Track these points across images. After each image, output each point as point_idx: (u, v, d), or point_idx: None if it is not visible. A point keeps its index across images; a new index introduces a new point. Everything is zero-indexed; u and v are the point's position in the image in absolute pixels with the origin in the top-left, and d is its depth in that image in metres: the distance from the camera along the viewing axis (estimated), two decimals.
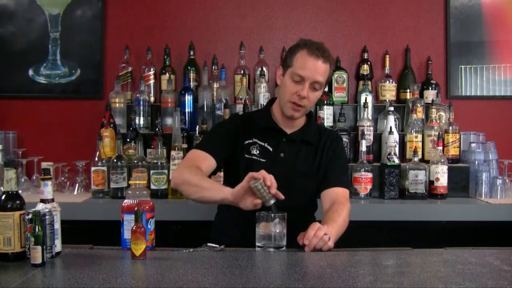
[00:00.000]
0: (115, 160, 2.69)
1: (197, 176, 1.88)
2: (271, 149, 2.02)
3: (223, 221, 2.09)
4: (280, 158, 2.02)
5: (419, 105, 2.96)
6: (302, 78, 1.92)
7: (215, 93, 3.07)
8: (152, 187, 2.71)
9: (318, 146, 2.08)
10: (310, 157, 2.05)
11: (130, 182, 1.75)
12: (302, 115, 2.02)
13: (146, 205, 1.68)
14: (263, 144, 2.03)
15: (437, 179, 2.73)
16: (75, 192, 2.85)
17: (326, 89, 3.00)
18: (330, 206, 1.95)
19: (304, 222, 1.95)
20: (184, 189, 1.92)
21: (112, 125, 2.84)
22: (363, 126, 2.88)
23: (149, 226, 1.67)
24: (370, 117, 2.96)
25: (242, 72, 3.06)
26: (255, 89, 3.07)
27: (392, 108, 2.94)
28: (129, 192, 1.74)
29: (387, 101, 3.07)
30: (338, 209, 1.92)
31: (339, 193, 2.02)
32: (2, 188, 1.87)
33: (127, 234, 1.67)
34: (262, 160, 1.99)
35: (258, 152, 2.01)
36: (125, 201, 1.72)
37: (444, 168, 2.73)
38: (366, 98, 2.97)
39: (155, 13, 3.29)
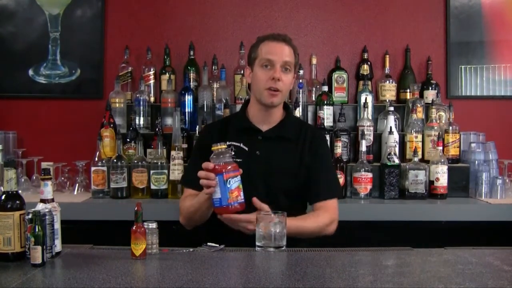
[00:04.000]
0: (115, 160, 2.69)
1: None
2: (246, 149, 2.03)
3: (223, 222, 2.08)
4: (256, 156, 2.01)
5: (419, 105, 2.96)
6: (272, 61, 1.96)
7: (215, 93, 3.07)
8: (152, 187, 2.71)
9: (298, 142, 2.06)
10: (288, 154, 2.03)
11: (213, 148, 1.79)
12: (280, 100, 2.01)
13: (226, 167, 1.75)
14: (238, 144, 2.03)
15: (437, 179, 2.73)
16: (75, 192, 2.85)
17: (326, 89, 3.01)
18: (315, 210, 2.02)
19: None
20: (187, 215, 2.03)
21: (112, 125, 2.84)
22: (363, 126, 2.88)
23: (228, 186, 1.74)
24: (370, 117, 2.96)
25: (242, 72, 3.05)
26: None
27: (392, 108, 2.94)
28: (214, 156, 1.78)
29: (387, 101, 3.07)
30: (319, 214, 1.99)
31: (329, 206, 2.03)
32: (2, 188, 1.88)
33: (215, 195, 1.77)
34: (238, 160, 1.97)
35: (233, 153, 1.99)
36: (212, 164, 1.77)
37: (444, 168, 2.73)
38: (366, 98, 2.97)
39: (155, 13, 3.29)
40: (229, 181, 1.75)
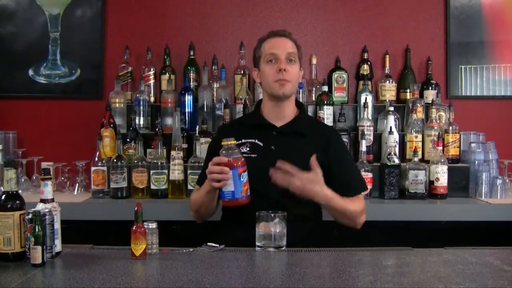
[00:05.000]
0: (115, 160, 2.69)
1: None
2: (261, 144, 2.05)
3: (228, 221, 2.09)
4: (271, 150, 2.03)
5: (419, 105, 2.96)
6: (276, 55, 2.02)
7: (215, 93, 3.07)
8: (152, 187, 2.71)
9: (312, 137, 2.08)
10: (303, 149, 2.04)
11: (223, 143, 1.84)
12: (291, 90, 2.05)
13: (238, 161, 1.80)
14: (253, 141, 2.05)
15: (437, 179, 2.73)
16: (75, 192, 2.85)
17: (326, 89, 3.01)
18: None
19: (307, 218, 1.96)
20: (195, 208, 2.10)
21: (112, 125, 2.84)
22: (363, 126, 2.88)
23: (242, 179, 1.80)
24: (370, 117, 2.95)
25: (242, 72, 3.06)
26: (255, 89, 3.07)
27: (392, 108, 2.94)
28: (223, 151, 1.83)
29: (387, 101, 3.07)
30: (356, 200, 2.06)
31: (360, 197, 2.10)
32: (2, 188, 1.88)
33: (227, 188, 1.81)
34: (253, 155, 2.01)
35: (248, 149, 2.03)
36: (225, 158, 1.81)
37: (444, 168, 2.73)
38: (366, 98, 2.97)
39: (155, 13, 3.29)
40: (242, 175, 1.80)
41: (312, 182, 1.88)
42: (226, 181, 1.80)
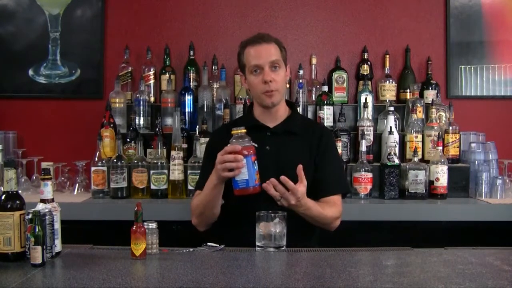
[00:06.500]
0: (115, 160, 2.69)
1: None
2: (256, 145, 2.04)
3: (227, 221, 2.08)
4: (266, 151, 2.03)
5: (419, 105, 2.96)
6: (259, 66, 2.01)
7: (215, 93, 3.07)
8: (152, 187, 2.71)
9: (306, 136, 2.09)
10: (297, 148, 2.06)
11: (233, 132, 1.83)
12: (279, 98, 2.05)
13: (250, 149, 1.79)
14: None
15: (437, 179, 2.73)
16: (75, 192, 2.85)
17: (326, 89, 3.01)
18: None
19: (302, 218, 1.96)
20: (198, 212, 2.05)
21: (112, 125, 2.84)
22: (363, 126, 2.88)
23: (255, 167, 1.79)
24: (370, 117, 2.95)
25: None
26: None
27: (392, 108, 2.94)
28: (234, 140, 1.82)
29: (387, 101, 3.07)
30: (331, 206, 2.02)
31: (335, 200, 2.07)
32: (2, 188, 1.88)
33: (241, 176, 1.79)
34: None
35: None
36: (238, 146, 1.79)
37: (444, 168, 2.73)
38: (366, 98, 2.97)
39: (155, 13, 3.29)
40: (255, 162, 1.80)
41: (294, 197, 1.86)
42: (240, 170, 1.78)
